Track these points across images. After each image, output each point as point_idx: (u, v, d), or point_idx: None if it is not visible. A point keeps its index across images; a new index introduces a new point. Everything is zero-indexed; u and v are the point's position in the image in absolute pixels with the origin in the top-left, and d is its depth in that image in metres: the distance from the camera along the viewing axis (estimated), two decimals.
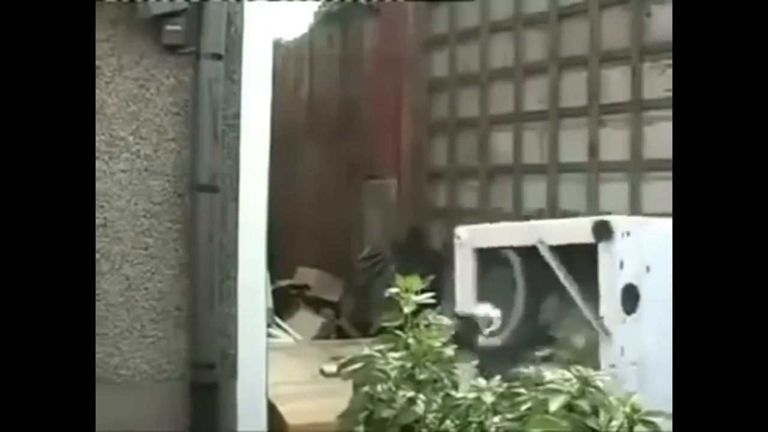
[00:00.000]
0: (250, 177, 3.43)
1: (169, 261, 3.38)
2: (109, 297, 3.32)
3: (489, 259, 3.17)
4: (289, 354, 5.35)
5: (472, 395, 2.05)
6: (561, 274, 2.72)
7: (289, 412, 4.04)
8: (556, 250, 2.77)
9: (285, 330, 6.02)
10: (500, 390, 2.08)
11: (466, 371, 2.31)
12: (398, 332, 2.24)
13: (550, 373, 1.97)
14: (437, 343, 2.22)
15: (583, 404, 1.84)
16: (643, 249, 2.54)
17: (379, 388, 2.16)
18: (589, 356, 2.61)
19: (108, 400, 3.12)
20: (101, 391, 2.98)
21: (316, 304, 6.53)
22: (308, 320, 6.26)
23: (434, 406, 2.10)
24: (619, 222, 2.59)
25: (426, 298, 2.29)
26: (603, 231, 2.55)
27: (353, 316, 6.37)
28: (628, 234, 2.53)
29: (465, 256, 3.20)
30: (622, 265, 2.54)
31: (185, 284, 3.39)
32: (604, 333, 2.53)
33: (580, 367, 1.97)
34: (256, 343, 3.62)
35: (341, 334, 6.13)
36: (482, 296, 3.20)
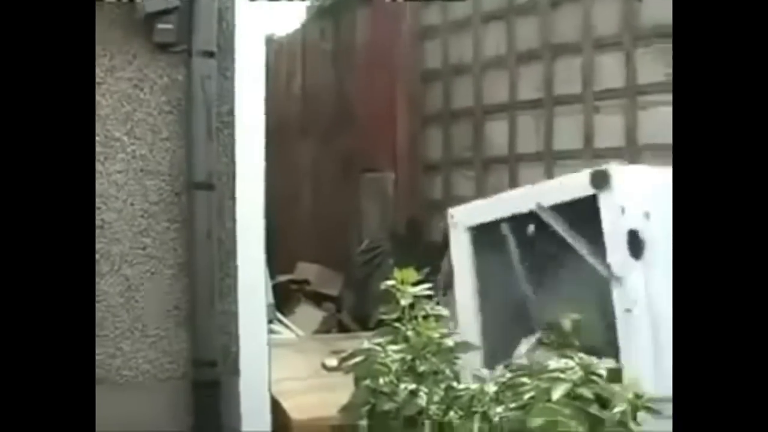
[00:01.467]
0: (246, 173, 3.42)
1: (167, 260, 3.38)
2: (110, 298, 3.32)
3: (485, 235, 3.14)
4: (291, 349, 5.35)
5: (474, 386, 2.05)
6: (563, 231, 2.73)
7: (293, 407, 4.04)
8: (555, 210, 2.76)
9: (286, 325, 6.02)
10: (503, 380, 2.07)
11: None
12: (397, 325, 2.23)
13: (553, 362, 1.96)
14: (436, 334, 2.21)
15: (586, 392, 1.84)
16: (641, 196, 2.56)
17: (380, 381, 2.16)
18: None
19: (111, 400, 3.13)
20: (104, 391, 2.99)
21: (317, 299, 6.52)
22: (309, 315, 6.26)
23: (436, 398, 2.09)
24: (616, 169, 2.61)
25: (423, 289, 2.29)
26: (602, 180, 2.58)
27: (354, 309, 6.37)
28: (627, 181, 2.56)
29: (460, 236, 3.16)
30: (623, 210, 2.56)
31: (185, 283, 3.39)
32: (615, 279, 2.54)
33: (582, 355, 1.98)
34: (258, 340, 3.62)
35: (342, 327, 6.13)
36: (481, 276, 3.18)
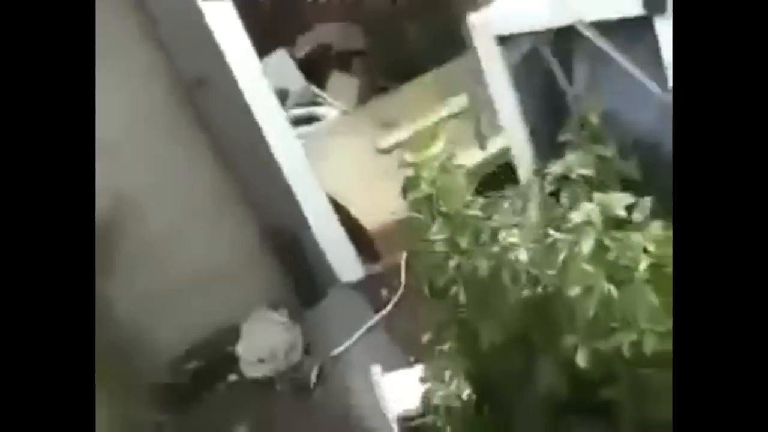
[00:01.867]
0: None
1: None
2: None
3: (516, 46, 2.79)
4: (339, 133, 5.43)
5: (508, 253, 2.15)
6: (614, 52, 2.42)
7: (362, 214, 4.22)
8: (596, 28, 2.43)
9: (327, 101, 6.06)
10: (532, 246, 2.14)
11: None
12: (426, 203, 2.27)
13: (574, 213, 2.02)
14: (470, 212, 2.26)
15: (609, 243, 1.94)
16: None
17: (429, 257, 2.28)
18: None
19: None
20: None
21: (345, 60, 6.42)
22: (344, 83, 6.23)
23: (483, 264, 2.21)
24: None
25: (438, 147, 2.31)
26: (656, 2, 2.26)
27: (384, 59, 6.23)
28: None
29: (488, 48, 2.81)
30: None
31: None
32: None
33: (600, 194, 2.04)
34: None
35: (379, 87, 6.06)
36: (523, 90, 2.99)
